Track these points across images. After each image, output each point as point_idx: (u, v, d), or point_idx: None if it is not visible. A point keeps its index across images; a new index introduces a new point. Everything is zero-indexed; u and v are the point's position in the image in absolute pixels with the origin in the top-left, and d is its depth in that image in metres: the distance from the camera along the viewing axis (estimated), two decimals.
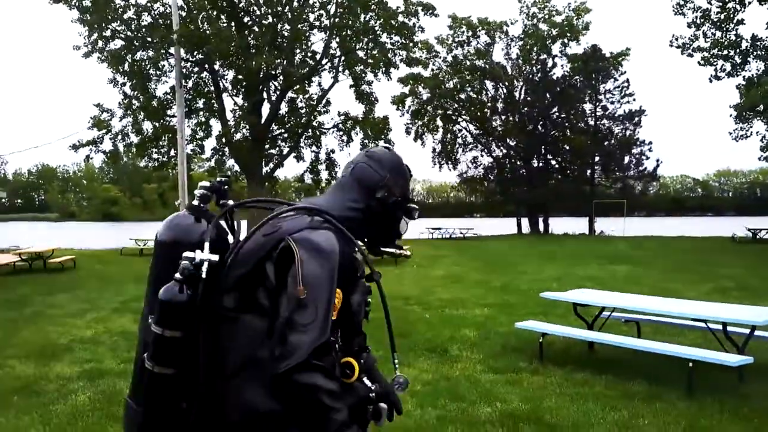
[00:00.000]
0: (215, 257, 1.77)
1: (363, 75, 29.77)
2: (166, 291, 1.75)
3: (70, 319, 10.01)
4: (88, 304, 11.46)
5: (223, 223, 1.98)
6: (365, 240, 2.05)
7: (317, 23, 29.43)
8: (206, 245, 1.78)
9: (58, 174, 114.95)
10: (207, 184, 1.99)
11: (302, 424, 1.69)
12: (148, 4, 27.20)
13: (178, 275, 1.75)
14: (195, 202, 1.96)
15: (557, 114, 40.38)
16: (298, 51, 29.94)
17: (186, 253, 1.77)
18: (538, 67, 40.14)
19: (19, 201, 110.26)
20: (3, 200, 68.46)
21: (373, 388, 1.87)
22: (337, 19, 28.38)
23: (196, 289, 1.75)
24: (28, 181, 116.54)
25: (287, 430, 1.71)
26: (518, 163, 41.96)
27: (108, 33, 26.96)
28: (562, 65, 40.68)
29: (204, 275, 1.74)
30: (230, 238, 1.97)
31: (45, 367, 6.95)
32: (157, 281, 1.85)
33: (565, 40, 38.81)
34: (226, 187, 2.00)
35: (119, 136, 28.64)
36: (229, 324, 1.78)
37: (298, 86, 28.70)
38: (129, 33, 27.30)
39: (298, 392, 1.64)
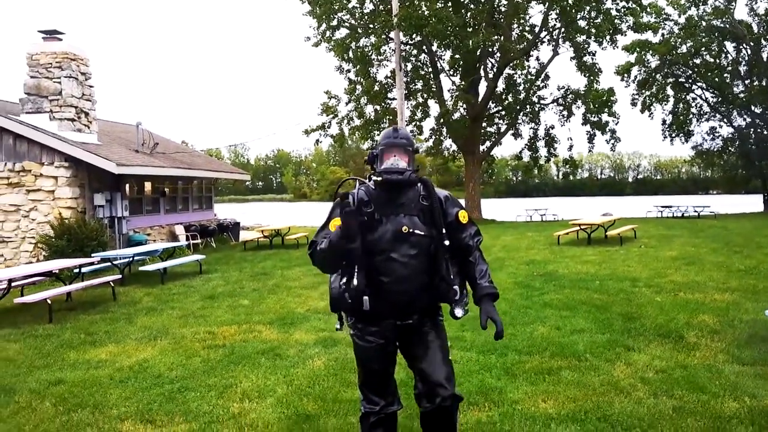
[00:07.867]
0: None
1: (585, 45, 28.31)
2: None
3: (305, 290, 10.87)
4: (320, 278, 12.30)
5: None
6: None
7: None
8: None
9: (292, 158, 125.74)
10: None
11: None
12: None
13: None
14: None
15: None
16: (515, 26, 29.32)
17: None
18: None
19: (259, 183, 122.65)
20: (246, 183, 76.45)
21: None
22: None
23: None
24: (267, 165, 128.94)
25: None
26: (765, 133, 37.20)
27: (334, 23, 28.62)
28: None
29: None
30: None
31: (286, 333, 7.64)
32: None
33: None
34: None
35: (344, 120, 30.32)
36: None
37: (515, 62, 28.09)
38: (353, 21, 28.72)
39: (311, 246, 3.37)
